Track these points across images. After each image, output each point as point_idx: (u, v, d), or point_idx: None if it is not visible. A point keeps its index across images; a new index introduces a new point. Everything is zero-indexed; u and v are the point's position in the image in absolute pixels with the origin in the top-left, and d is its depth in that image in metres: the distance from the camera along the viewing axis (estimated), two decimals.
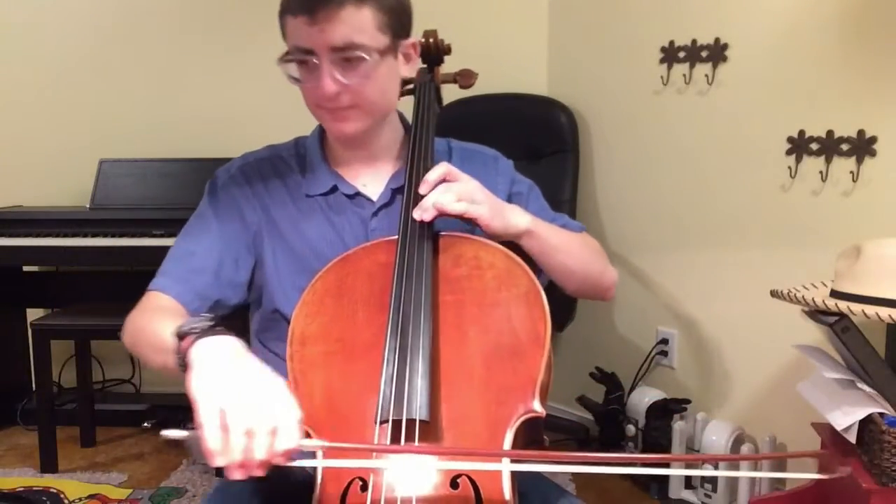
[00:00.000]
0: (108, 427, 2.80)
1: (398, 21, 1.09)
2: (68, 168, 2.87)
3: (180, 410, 2.80)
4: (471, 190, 1.07)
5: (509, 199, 1.21)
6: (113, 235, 2.54)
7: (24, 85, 2.90)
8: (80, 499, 2.31)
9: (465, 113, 2.69)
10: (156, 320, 1.01)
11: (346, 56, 1.04)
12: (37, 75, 2.90)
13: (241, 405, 0.78)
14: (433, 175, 1.08)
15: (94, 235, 2.55)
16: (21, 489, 2.36)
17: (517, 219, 1.10)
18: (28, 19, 2.88)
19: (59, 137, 2.91)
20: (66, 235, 2.56)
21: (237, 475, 0.79)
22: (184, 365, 0.87)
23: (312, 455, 0.89)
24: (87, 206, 2.69)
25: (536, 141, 2.64)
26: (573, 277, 1.19)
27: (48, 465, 2.47)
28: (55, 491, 2.35)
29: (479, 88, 2.66)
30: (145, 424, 2.74)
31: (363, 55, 1.04)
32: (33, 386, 2.54)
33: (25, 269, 2.92)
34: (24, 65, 2.89)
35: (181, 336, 0.89)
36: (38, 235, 2.56)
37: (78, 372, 2.71)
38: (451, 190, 1.06)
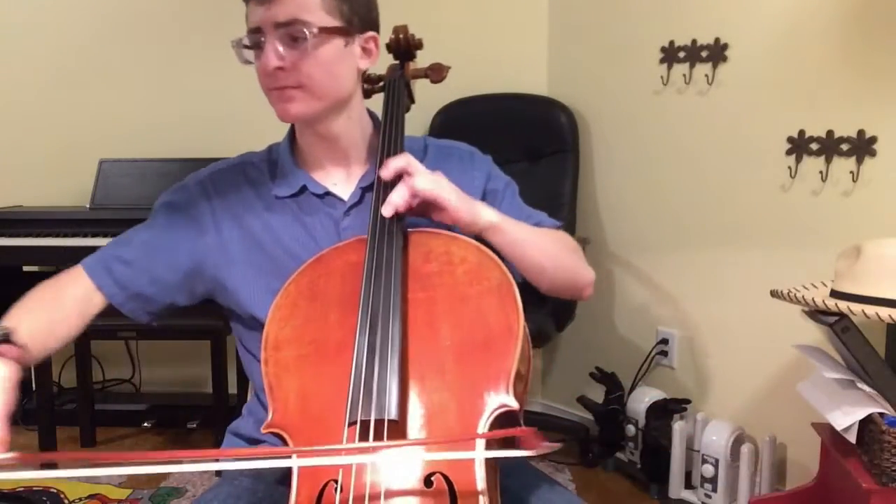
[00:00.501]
0: (108, 427, 2.80)
1: (351, 8, 1.09)
2: (68, 168, 2.87)
3: (180, 410, 2.81)
4: (437, 177, 1.07)
5: (484, 195, 1.20)
6: (113, 235, 2.48)
7: (24, 85, 2.90)
8: (80, 499, 2.31)
9: (465, 113, 2.70)
10: (28, 299, 1.07)
11: (290, 33, 1.05)
12: (37, 75, 2.90)
13: None
14: (395, 162, 1.07)
15: (94, 235, 2.54)
16: (21, 489, 2.37)
17: (485, 211, 1.10)
18: (28, 19, 2.88)
19: (59, 137, 2.91)
20: (66, 235, 2.55)
21: None
22: None
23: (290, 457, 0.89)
24: (87, 206, 2.69)
25: (536, 141, 2.64)
26: (545, 274, 1.16)
27: (48, 464, 2.47)
28: (55, 491, 2.35)
29: (479, 88, 2.74)
30: (145, 424, 2.74)
31: (304, 30, 1.05)
32: (33, 386, 2.54)
33: (25, 269, 2.92)
34: (24, 65, 2.89)
35: None
36: (38, 235, 2.55)
37: (78, 372, 2.70)
38: (420, 172, 1.06)
